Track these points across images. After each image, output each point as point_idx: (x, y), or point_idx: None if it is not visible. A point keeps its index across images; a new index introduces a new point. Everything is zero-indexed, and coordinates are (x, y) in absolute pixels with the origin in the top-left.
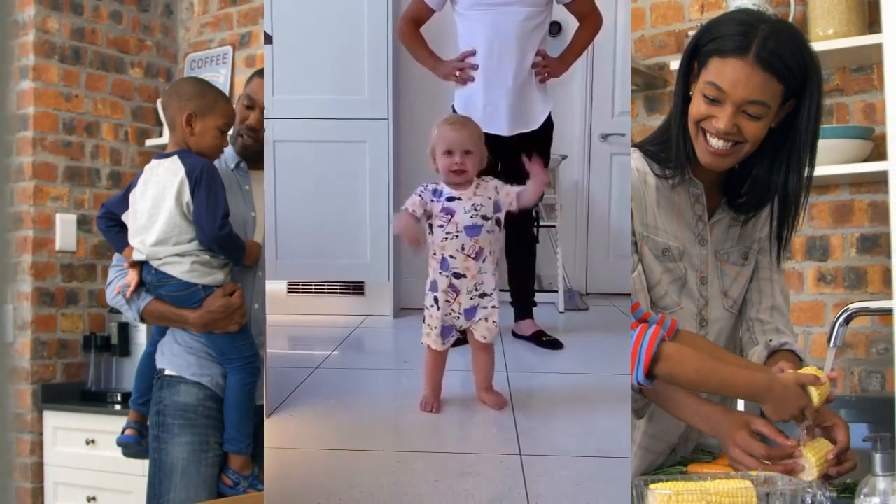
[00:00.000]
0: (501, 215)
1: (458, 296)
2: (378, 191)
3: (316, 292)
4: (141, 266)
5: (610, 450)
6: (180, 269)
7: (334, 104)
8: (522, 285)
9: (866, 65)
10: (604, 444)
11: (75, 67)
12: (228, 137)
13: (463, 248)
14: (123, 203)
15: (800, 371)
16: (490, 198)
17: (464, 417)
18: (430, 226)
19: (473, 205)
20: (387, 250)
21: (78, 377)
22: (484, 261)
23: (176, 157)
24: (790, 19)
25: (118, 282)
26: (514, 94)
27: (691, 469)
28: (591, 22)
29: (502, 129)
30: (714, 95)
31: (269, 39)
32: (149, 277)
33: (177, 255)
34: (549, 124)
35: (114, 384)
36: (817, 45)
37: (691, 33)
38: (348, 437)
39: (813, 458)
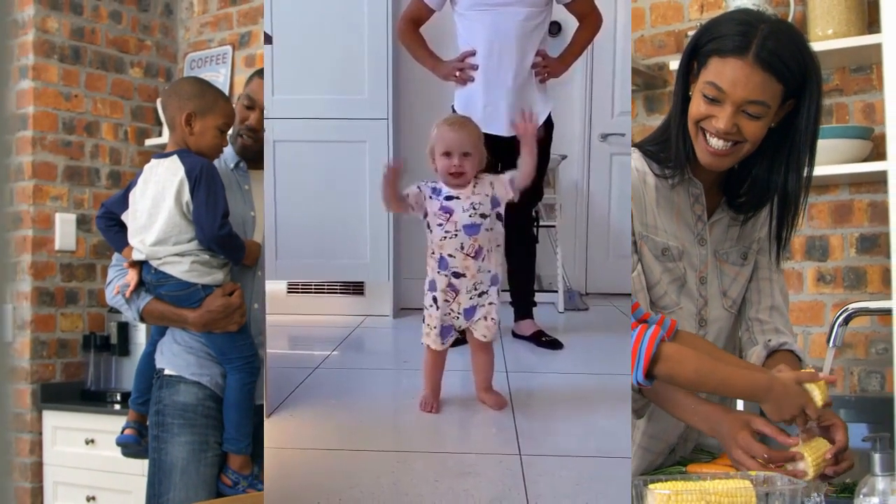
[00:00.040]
0: (501, 209)
1: (457, 295)
2: (377, 191)
3: (316, 292)
4: (140, 266)
5: (610, 450)
6: (180, 269)
7: (334, 104)
8: (522, 285)
9: (866, 65)
10: (604, 444)
11: (75, 67)
12: (228, 137)
13: (462, 248)
14: (123, 203)
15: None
16: (487, 195)
17: (463, 417)
18: (429, 224)
19: (472, 203)
20: (387, 250)
21: (77, 377)
22: (483, 259)
23: (175, 157)
24: (790, 19)
25: (118, 281)
26: (514, 94)
27: (690, 469)
28: (590, 22)
29: (502, 129)
30: (714, 95)
31: (268, 39)
32: (148, 277)
33: (176, 254)
34: (548, 124)
35: (113, 384)
36: (817, 45)
37: (691, 33)
38: (348, 437)
39: (810, 457)
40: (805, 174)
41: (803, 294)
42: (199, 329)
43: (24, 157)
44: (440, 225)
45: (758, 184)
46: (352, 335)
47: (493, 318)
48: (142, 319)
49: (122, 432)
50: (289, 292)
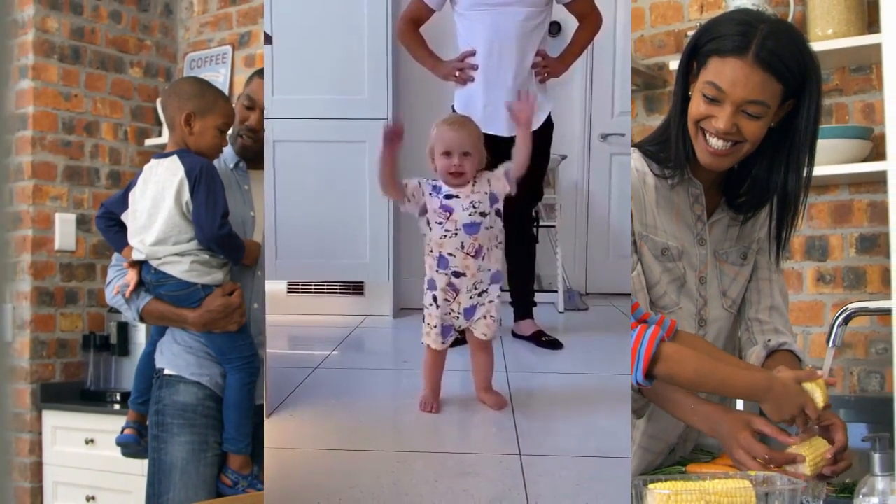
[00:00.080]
0: (500, 205)
1: (457, 295)
2: (377, 191)
3: (316, 292)
4: (140, 266)
5: (610, 450)
6: (180, 269)
7: (334, 104)
8: (522, 285)
9: (865, 65)
10: (603, 444)
11: (75, 67)
12: (228, 137)
13: (462, 247)
14: (123, 203)
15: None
16: (486, 192)
17: (463, 417)
18: (428, 221)
19: (472, 202)
20: (386, 250)
21: (77, 377)
22: (483, 258)
23: (175, 157)
24: (789, 19)
25: (117, 281)
26: (514, 94)
27: (690, 469)
28: (590, 22)
29: (502, 129)
30: (713, 95)
31: (268, 39)
32: (148, 277)
33: (176, 254)
34: (548, 124)
35: (113, 384)
36: (816, 45)
37: (690, 33)
38: (348, 437)
39: (808, 457)
40: (805, 174)
41: (803, 294)
42: (199, 329)
43: (24, 157)
44: (440, 223)
45: (757, 184)
46: (352, 335)
47: (492, 317)
48: (141, 319)
49: (122, 432)
50: (289, 292)
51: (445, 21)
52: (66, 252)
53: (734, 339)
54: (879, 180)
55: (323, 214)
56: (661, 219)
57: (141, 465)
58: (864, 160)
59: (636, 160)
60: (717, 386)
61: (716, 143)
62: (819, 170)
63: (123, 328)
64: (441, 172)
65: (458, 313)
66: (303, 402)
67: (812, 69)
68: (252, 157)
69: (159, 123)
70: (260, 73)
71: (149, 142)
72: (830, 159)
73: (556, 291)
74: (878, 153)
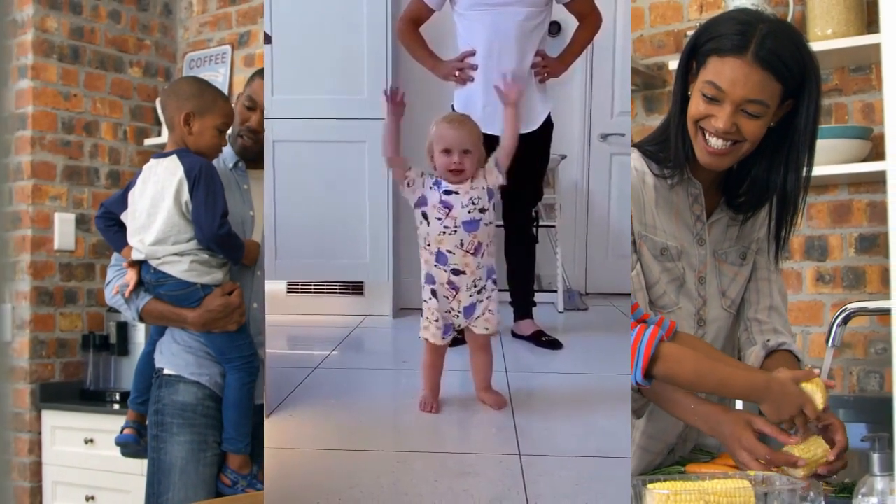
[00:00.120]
0: (496, 198)
1: (457, 293)
2: (377, 191)
3: (315, 292)
4: (140, 265)
5: (609, 450)
6: (179, 269)
7: (334, 104)
8: (522, 285)
9: (865, 65)
10: (603, 444)
11: (74, 66)
12: (228, 138)
13: (461, 244)
14: (122, 202)
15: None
16: (484, 188)
17: (463, 417)
18: (425, 215)
19: (471, 198)
20: (386, 250)
21: (76, 376)
22: (482, 255)
23: (175, 157)
24: (789, 19)
25: (117, 281)
26: None
27: (689, 469)
28: (590, 22)
29: (502, 129)
30: (713, 94)
31: (268, 39)
32: (148, 277)
33: (176, 254)
34: (548, 124)
35: (112, 383)
36: (816, 45)
37: (690, 33)
38: (348, 437)
39: (804, 456)
40: (804, 174)
41: (802, 294)
42: (199, 329)
43: (24, 157)
44: (439, 219)
45: (757, 184)
46: (351, 335)
47: (491, 311)
48: (141, 319)
49: (122, 432)
50: (288, 292)
51: (445, 21)
52: (65, 252)
53: (733, 339)
54: (879, 180)
55: (323, 214)
56: (660, 218)
57: (140, 465)
58: (864, 160)
59: (635, 160)
60: (715, 386)
61: (715, 142)
62: (818, 170)
63: (123, 328)
64: (441, 170)
65: (458, 312)
66: (302, 402)
67: (811, 69)
68: (252, 157)
69: (159, 123)
70: (261, 74)
71: (148, 141)
72: (830, 159)
73: (555, 291)
74: (877, 153)
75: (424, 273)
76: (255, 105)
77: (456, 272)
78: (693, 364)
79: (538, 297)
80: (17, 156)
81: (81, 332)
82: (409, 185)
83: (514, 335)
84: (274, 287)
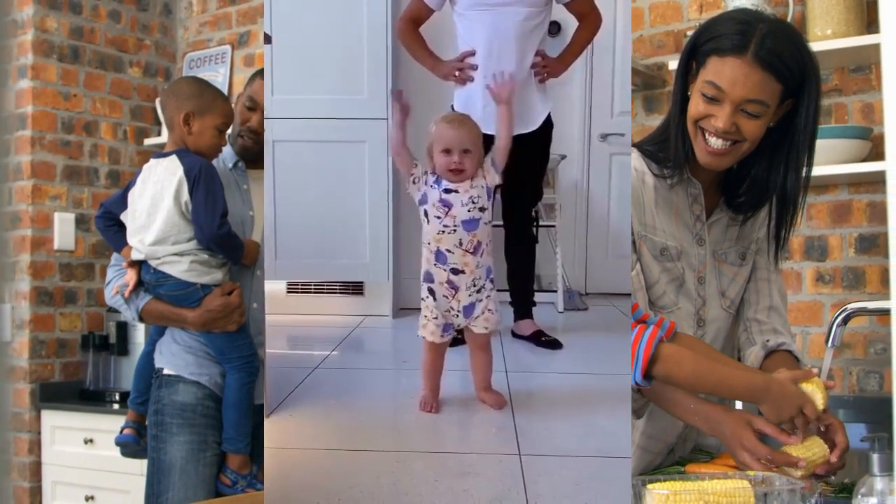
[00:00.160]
0: (493, 194)
1: (456, 293)
2: (377, 191)
3: (315, 292)
4: (139, 265)
5: (610, 450)
6: (179, 269)
7: (334, 104)
8: (522, 285)
9: (865, 65)
10: (603, 444)
11: (74, 66)
12: (228, 138)
13: (461, 244)
14: (122, 202)
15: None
16: (483, 186)
17: (463, 417)
18: (426, 213)
19: (471, 197)
20: (386, 250)
21: (76, 376)
22: (481, 254)
23: (174, 157)
24: (789, 19)
25: (117, 281)
26: (514, 94)
27: (689, 469)
28: (590, 21)
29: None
30: (713, 94)
31: (268, 39)
32: (147, 277)
33: (175, 254)
34: (548, 124)
35: (112, 383)
36: (816, 45)
37: (690, 33)
38: (348, 437)
39: (803, 457)
40: (804, 174)
41: (802, 294)
42: (199, 329)
43: (23, 157)
44: (438, 218)
45: (757, 184)
46: (351, 335)
47: (490, 310)
48: (141, 319)
49: (121, 432)
50: (288, 292)
51: (445, 21)
52: (65, 252)
53: (733, 339)
54: (878, 180)
55: (323, 214)
56: (659, 218)
57: (140, 465)
58: (864, 160)
59: (635, 160)
60: (714, 387)
61: (715, 142)
62: (818, 170)
63: (122, 328)
64: (440, 170)
65: (458, 311)
66: (302, 401)
67: (811, 68)
68: (252, 157)
69: (158, 123)
70: (261, 74)
71: (148, 141)
72: (830, 159)
73: (555, 291)
74: (877, 153)
75: (424, 270)
76: (255, 105)
77: (455, 271)
78: (692, 365)
79: (538, 297)
80: (16, 156)
81: (81, 332)
82: (413, 183)
83: (514, 335)
84: (274, 287)
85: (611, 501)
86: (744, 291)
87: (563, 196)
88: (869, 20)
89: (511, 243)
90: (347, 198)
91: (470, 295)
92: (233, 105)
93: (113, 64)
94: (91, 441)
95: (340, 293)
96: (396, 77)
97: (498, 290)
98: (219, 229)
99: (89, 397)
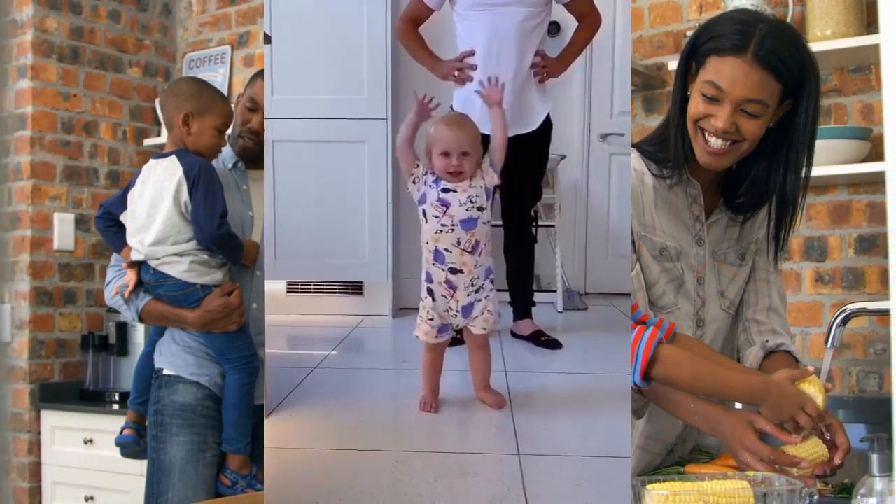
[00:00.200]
0: (492, 194)
1: (454, 292)
2: (377, 191)
3: (315, 292)
4: (139, 266)
5: (609, 450)
6: (178, 269)
7: (334, 104)
8: (521, 285)
9: (864, 65)
10: (603, 444)
11: (74, 67)
12: (228, 138)
13: (459, 243)
14: (122, 203)
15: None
16: (482, 186)
17: (463, 417)
18: (424, 213)
19: (469, 197)
20: (385, 250)
21: (76, 377)
22: (480, 254)
23: (174, 157)
24: (788, 19)
25: (116, 282)
26: (513, 94)
27: (689, 469)
28: (590, 22)
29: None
30: (712, 94)
31: (268, 39)
32: (147, 277)
33: (175, 254)
34: (547, 124)
35: (112, 384)
36: (815, 46)
37: (689, 33)
38: (348, 437)
39: (805, 456)
40: (803, 174)
41: (802, 294)
42: (198, 329)
43: (23, 157)
44: (436, 217)
45: (756, 184)
46: (351, 335)
47: (489, 311)
48: (141, 320)
49: (121, 432)
50: (288, 292)
51: (445, 21)
52: (64, 252)
53: (732, 339)
54: (878, 181)
55: (322, 214)
56: (659, 219)
57: (140, 466)
58: (863, 161)
59: (634, 160)
60: (714, 388)
61: (715, 142)
62: (818, 170)
63: (122, 328)
64: (439, 172)
65: (457, 311)
66: (302, 401)
67: (810, 69)
68: (252, 158)
69: (158, 123)
70: (262, 75)
71: (147, 142)
72: (829, 160)
73: (555, 291)
74: (876, 154)
75: (424, 271)
76: (256, 106)
77: (453, 271)
78: (691, 367)
79: (537, 296)
80: (16, 156)
81: (81, 333)
82: (413, 182)
83: (514, 335)
84: (274, 287)
85: (610, 502)
86: (743, 292)
87: (563, 196)
88: (868, 20)
89: (510, 243)
90: (347, 198)
91: (468, 295)
92: (233, 106)
93: (113, 64)
94: (91, 441)
95: (340, 293)
96: (396, 77)
97: (497, 290)
98: (218, 229)
99: (89, 398)
